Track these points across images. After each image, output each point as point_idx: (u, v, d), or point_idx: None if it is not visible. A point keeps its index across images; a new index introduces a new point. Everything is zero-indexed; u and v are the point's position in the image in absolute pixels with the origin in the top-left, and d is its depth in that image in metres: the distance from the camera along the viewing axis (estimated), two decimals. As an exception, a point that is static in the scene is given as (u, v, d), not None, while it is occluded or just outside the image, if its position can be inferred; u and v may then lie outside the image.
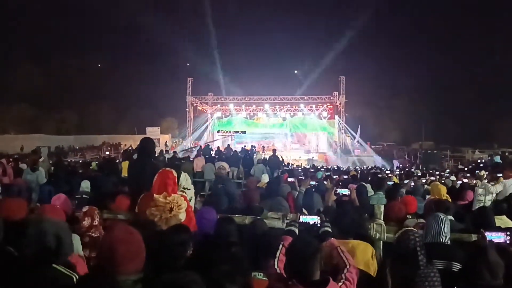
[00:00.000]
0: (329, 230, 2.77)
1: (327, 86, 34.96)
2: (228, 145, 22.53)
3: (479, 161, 20.77)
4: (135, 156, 5.25)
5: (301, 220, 3.00)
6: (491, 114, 39.38)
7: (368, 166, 21.93)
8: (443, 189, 6.36)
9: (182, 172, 3.76)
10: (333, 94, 32.87)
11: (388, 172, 14.34)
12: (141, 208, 3.31)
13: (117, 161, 12.23)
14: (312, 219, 2.97)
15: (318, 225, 2.92)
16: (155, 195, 3.12)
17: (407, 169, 17.88)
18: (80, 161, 18.22)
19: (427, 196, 6.40)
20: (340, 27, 45.86)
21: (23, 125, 38.15)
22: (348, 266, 2.37)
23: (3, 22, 38.25)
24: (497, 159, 17.65)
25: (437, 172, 14.82)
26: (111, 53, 46.50)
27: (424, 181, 10.86)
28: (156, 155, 14.21)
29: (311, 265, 2.07)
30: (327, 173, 12.50)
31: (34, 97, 39.96)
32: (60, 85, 42.94)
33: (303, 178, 7.64)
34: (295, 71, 43.32)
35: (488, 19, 41.89)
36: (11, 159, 11.83)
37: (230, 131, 32.97)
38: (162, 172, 3.37)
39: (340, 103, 32.39)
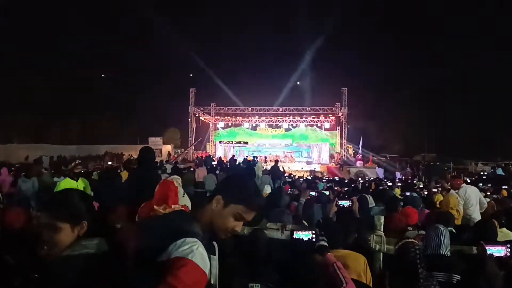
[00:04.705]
0: (325, 244, 2.65)
1: (330, 97, 35.13)
2: (233, 155, 22.58)
3: (481, 173, 20.66)
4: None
5: (295, 236, 2.86)
6: (495, 126, 39.33)
7: (370, 178, 21.85)
8: (453, 200, 6.34)
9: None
10: (336, 105, 32.94)
11: (390, 183, 14.26)
12: (141, 218, 3.31)
13: (119, 170, 12.22)
14: (307, 235, 2.86)
15: (314, 239, 2.80)
16: (155, 206, 3.10)
17: (409, 181, 17.80)
18: (82, 171, 18.22)
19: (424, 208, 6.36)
20: (342, 39, 46.23)
21: (27, 134, 38.33)
22: (344, 285, 2.28)
23: (7, 32, 38.67)
24: (500, 171, 17.60)
25: (439, 185, 14.71)
26: (114, 64, 46.86)
27: (435, 191, 10.77)
28: (158, 165, 14.28)
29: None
30: (328, 185, 12.48)
31: (38, 106, 40.20)
32: (64, 95, 43.23)
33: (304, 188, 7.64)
34: (298, 83, 43.47)
35: (490, 29, 42.12)
36: (13, 168, 11.86)
37: (232, 141, 33.12)
38: (163, 183, 3.36)
39: (342, 115, 32.44)
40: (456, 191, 6.70)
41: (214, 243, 1.55)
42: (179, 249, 1.35)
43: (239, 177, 1.70)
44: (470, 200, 6.52)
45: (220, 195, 1.58)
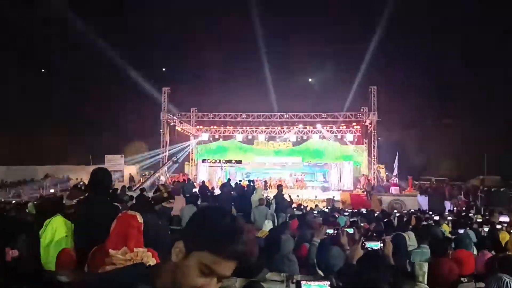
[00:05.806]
0: None
1: (353, 99, 35.17)
2: (229, 179, 22.45)
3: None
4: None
5: None
6: None
7: (409, 210, 21.83)
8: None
9: None
10: (361, 110, 33.09)
11: (436, 217, 14.29)
12: (93, 267, 3.28)
13: (64, 201, 12.20)
14: (320, 287, 2.81)
15: None
16: (110, 250, 3.08)
17: (463, 214, 17.80)
18: (13, 202, 18.16)
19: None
20: (369, 19, 46.45)
21: None
22: None
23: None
24: None
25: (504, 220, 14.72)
26: (56, 56, 46.90)
27: (499, 228, 10.77)
28: (118, 193, 14.28)
29: None
30: (352, 219, 12.47)
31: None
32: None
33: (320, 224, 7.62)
34: (310, 79, 43.67)
35: None
36: None
37: (219, 160, 33.04)
38: (122, 217, 3.35)
39: (370, 123, 32.58)
40: None
41: None
42: None
43: (206, 211, 1.62)
44: None
45: (181, 240, 1.49)
